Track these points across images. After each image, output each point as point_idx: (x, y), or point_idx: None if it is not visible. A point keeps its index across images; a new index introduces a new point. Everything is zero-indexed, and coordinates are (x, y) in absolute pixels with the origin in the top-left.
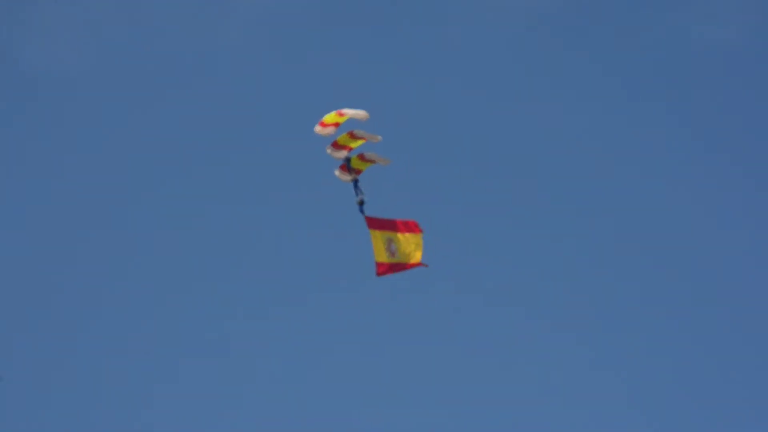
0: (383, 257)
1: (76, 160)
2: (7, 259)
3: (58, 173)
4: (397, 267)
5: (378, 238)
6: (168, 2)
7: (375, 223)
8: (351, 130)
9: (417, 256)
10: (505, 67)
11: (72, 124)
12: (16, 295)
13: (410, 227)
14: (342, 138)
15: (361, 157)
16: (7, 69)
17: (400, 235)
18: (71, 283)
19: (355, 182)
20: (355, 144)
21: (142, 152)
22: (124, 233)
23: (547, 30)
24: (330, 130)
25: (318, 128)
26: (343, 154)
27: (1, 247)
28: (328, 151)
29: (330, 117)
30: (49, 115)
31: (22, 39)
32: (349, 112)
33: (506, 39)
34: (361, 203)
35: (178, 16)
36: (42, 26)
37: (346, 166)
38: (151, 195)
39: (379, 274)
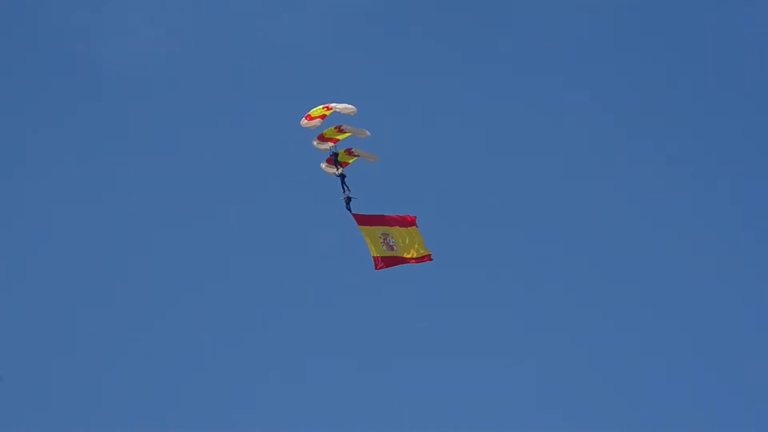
0: (379, 251)
1: (154, 158)
2: (88, 250)
3: (136, 170)
4: (397, 260)
5: (370, 234)
6: (245, 2)
7: (364, 220)
8: (339, 124)
9: (421, 250)
10: None
11: (151, 122)
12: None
13: (404, 221)
14: (329, 131)
15: (349, 152)
16: (88, 69)
17: (395, 229)
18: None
19: (342, 178)
20: (342, 137)
21: (221, 149)
22: (211, 228)
23: None
24: (316, 122)
25: (304, 121)
26: (329, 146)
27: (80, 242)
28: (314, 143)
29: (317, 110)
30: (129, 114)
31: (103, 39)
32: (338, 107)
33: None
34: (348, 201)
35: (255, 16)
36: (121, 27)
37: (333, 159)
38: (235, 192)
39: (377, 268)
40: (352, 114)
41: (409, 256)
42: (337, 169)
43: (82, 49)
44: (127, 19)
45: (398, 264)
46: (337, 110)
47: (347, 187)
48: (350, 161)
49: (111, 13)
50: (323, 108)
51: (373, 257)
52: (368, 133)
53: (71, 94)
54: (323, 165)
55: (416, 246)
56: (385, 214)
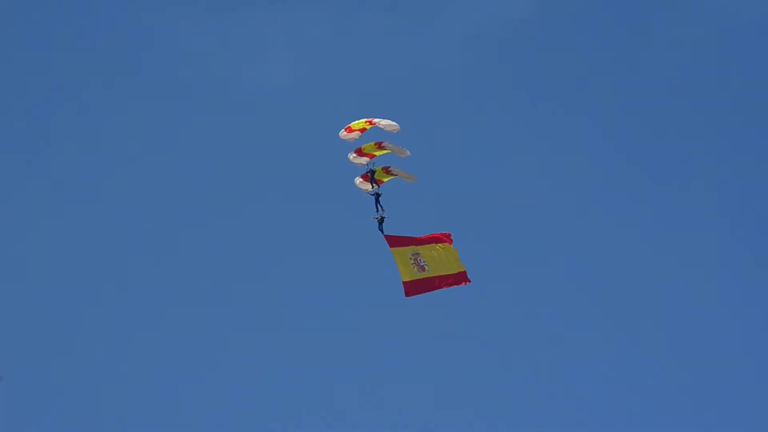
0: (411, 274)
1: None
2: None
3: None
4: (429, 284)
5: (401, 255)
6: (375, 22)
7: (396, 241)
8: (380, 140)
9: (456, 267)
10: None
11: (288, 134)
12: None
13: (439, 239)
14: (368, 146)
15: (386, 170)
16: (230, 84)
17: (427, 247)
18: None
19: (377, 197)
20: (380, 153)
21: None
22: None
23: None
24: (355, 135)
25: (343, 133)
26: (365, 160)
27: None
28: (351, 156)
29: (358, 123)
30: (267, 126)
31: (244, 57)
32: (381, 122)
33: None
34: (381, 221)
35: (385, 34)
36: (260, 44)
37: (369, 175)
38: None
39: (407, 294)
40: (395, 131)
41: (442, 273)
42: (373, 187)
43: (219, 66)
44: (266, 37)
45: (430, 290)
46: (381, 126)
47: (381, 207)
48: (386, 180)
49: (249, 32)
50: (365, 122)
51: (404, 282)
52: (408, 152)
53: (207, 111)
54: (358, 180)
55: (450, 261)
56: (417, 236)
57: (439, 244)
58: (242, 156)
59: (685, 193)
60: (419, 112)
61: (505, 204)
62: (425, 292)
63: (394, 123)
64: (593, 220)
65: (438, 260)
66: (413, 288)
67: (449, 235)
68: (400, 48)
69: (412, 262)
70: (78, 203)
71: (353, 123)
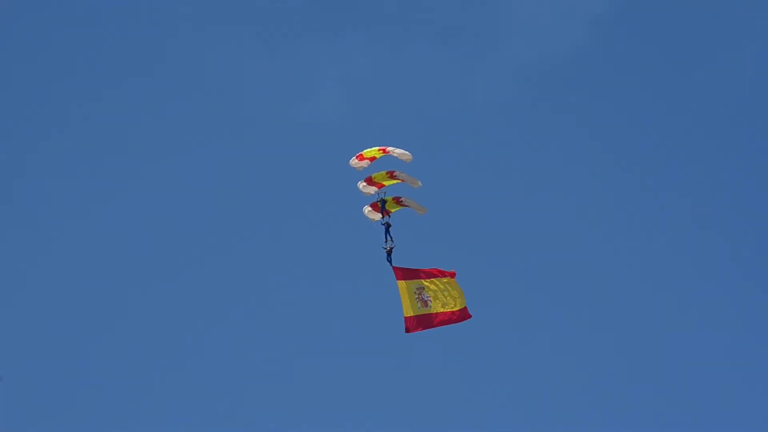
0: (413, 310)
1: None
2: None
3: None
4: (430, 321)
5: (407, 289)
6: (425, 55)
7: (403, 274)
8: (392, 169)
9: (458, 303)
10: None
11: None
12: None
13: (444, 273)
14: (379, 175)
15: (397, 200)
16: (282, 118)
17: (431, 282)
18: None
19: (387, 227)
20: (390, 183)
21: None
22: None
23: None
24: (365, 163)
25: (354, 161)
26: (374, 189)
27: None
28: (360, 185)
29: (370, 151)
30: (318, 159)
31: (295, 91)
32: (395, 151)
33: None
34: (390, 252)
35: (435, 67)
36: (311, 78)
37: (380, 205)
38: None
39: (408, 330)
40: (408, 161)
41: (444, 310)
42: (383, 217)
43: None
44: (317, 71)
45: (430, 326)
46: (395, 155)
47: (391, 238)
48: (394, 210)
49: (301, 65)
50: (378, 150)
51: (405, 318)
52: (420, 183)
53: (260, 145)
54: (367, 209)
55: (452, 298)
56: (423, 268)
57: (445, 278)
58: (291, 187)
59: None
60: (468, 146)
61: (550, 242)
62: (426, 328)
63: (407, 152)
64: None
65: (441, 295)
66: (414, 324)
67: (454, 273)
68: (450, 82)
69: (416, 296)
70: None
71: (365, 150)
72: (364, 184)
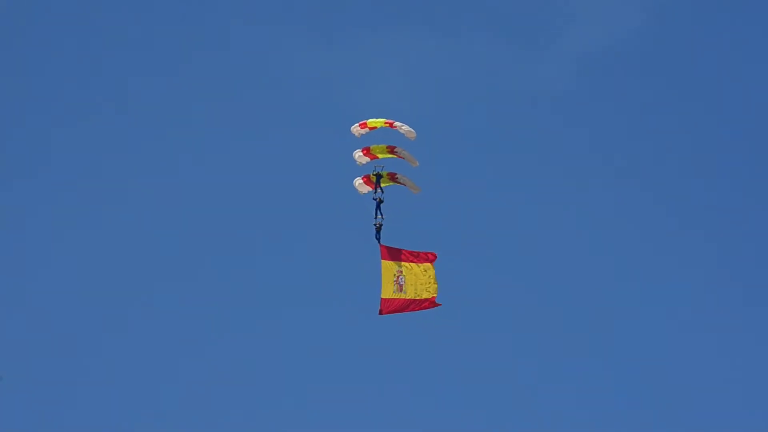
0: (389, 293)
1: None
2: None
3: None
4: (403, 305)
5: (389, 270)
6: (487, 48)
7: (389, 253)
8: (393, 144)
9: (430, 291)
10: None
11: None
12: None
13: (424, 258)
14: (378, 147)
15: (393, 176)
16: (342, 109)
17: (412, 266)
18: None
19: (378, 203)
20: (386, 157)
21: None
22: None
23: None
24: (365, 131)
25: (356, 127)
26: (366, 160)
27: None
28: (356, 154)
29: (376, 121)
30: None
31: (356, 81)
32: (403, 128)
33: None
34: (379, 228)
35: (497, 57)
36: (372, 68)
37: (374, 179)
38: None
39: (381, 313)
40: (412, 139)
41: (415, 297)
42: (376, 192)
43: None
44: (377, 61)
45: (402, 311)
46: (401, 131)
47: (381, 214)
48: (386, 185)
49: (362, 56)
50: (384, 122)
51: (382, 299)
52: (418, 163)
53: (321, 135)
54: (358, 182)
55: (426, 286)
56: (407, 249)
57: (423, 264)
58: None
59: None
60: (529, 135)
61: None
62: (397, 312)
63: (413, 130)
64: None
65: (416, 282)
66: (388, 306)
67: (434, 257)
68: (511, 71)
69: (395, 279)
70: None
71: (371, 120)
72: (361, 153)
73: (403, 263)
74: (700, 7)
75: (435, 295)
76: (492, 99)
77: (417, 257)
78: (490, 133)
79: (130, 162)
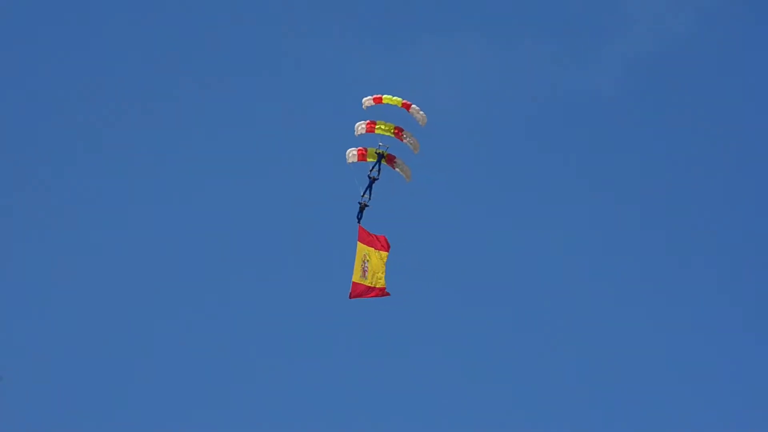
0: (357, 276)
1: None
2: None
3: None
4: (365, 291)
5: (361, 253)
6: (538, 53)
7: (365, 237)
8: (401, 127)
9: (381, 281)
10: None
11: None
12: None
13: (383, 244)
14: (386, 125)
15: (391, 159)
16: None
17: (375, 253)
18: None
19: (372, 182)
20: (385, 134)
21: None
22: None
23: None
24: (371, 103)
25: (368, 99)
26: (363, 131)
27: None
28: (360, 125)
29: (392, 99)
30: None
31: (407, 87)
32: (420, 113)
33: None
34: (363, 209)
35: (546, 62)
36: (422, 74)
37: (377, 157)
38: None
39: (351, 296)
40: (421, 126)
41: (371, 284)
42: (372, 170)
43: None
44: (428, 66)
45: (366, 296)
46: (417, 116)
47: (370, 194)
48: (378, 164)
49: (412, 61)
50: (400, 101)
51: (353, 282)
52: (419, 150)
53: None
54: (351, 153)
55: (379, 273)
56: (378, 234)
57: (383, 252)
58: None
59: None
60: (581, 140)
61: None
62: (361, 297)
63: (425, 116)
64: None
65: (374, 270)
66: (356, 290)
67: (388, 247)
68: (561, 76)
69: (363, 264)
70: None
71: (386, 96)
72: (366, 125)
73: (371, 250)
74: (752, 10)
75: (384, 286)
76: (539, 103)
77: (380, 244)
78: (537, 136)
79: (188, 171)
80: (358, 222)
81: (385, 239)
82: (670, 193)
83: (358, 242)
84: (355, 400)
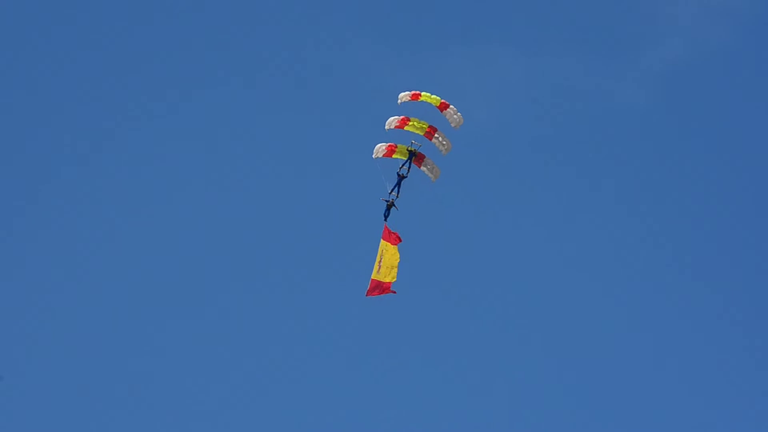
0: (375, 273)
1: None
2: None
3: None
4: (378, 287)
5: (380, 250)
6: (570, 62)
7: (388, 236)
8: (435, 127)
9: (392, 275)
10: None
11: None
12: None
13: (395, 239)
14: (419, 123)
15: (421, 158)
16: None
17: (390, 248)
18: None
19: (400, 179)
20: (416, 132)
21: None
22: None
23: None
24: (409, 100)
25: (406, 95)
26: (394, 126)
27: None
28: (393, 121)
29: (429, 96)
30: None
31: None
32: (456, 115)
33: None
34: (390, 206)
35: (579, 72)
36: (453, 84)
37: (409, 154)
38: None
39: (367, 293)
40: (455, 128)
41: (382, 280)
42: (402, 168)
43: None
44: (459, 77)
45: (377, 294)
46: (454, 117)
47: (398, 192)
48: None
49: (443, 72)
50: (439, 101)
51: (371, 280)
52: (448, 151)
53: None
54: (381, 148)
55: (391, 270)
56: (395, 232)
57: (394, 247)
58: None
59: None
60: (612, 152)
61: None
62: (379, 295)
63: (462, 119)
64: None
65: (388, 265)
66: (373, 289)
67: (398, 240)
68: (594, 86)
69: (379, 261)
70: None
71: (424, 93)
72: (399, 121)
73: (387, 244)
74: None
75: (393, 281)
76: (571, 114)
77: (394, 238)
78: (567, 149)
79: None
80: (385, 220)
81: (397, 235)
82: (703, 206)
83: (382, 240)
84: (354, 400)
